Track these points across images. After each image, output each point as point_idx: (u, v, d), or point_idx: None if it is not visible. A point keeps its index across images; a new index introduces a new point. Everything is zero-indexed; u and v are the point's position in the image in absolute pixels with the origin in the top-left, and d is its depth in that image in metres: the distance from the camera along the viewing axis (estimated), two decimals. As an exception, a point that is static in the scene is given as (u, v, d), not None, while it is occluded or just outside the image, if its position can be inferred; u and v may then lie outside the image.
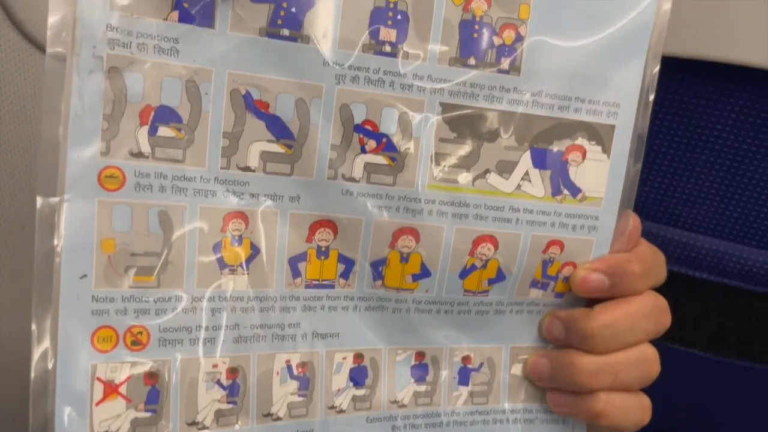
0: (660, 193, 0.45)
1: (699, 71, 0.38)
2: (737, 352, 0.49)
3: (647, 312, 0.28)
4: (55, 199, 0.22)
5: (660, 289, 0.30)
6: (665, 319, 0.28)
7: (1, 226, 0.40)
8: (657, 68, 0.28)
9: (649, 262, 0.28)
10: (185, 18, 0.23)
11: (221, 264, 0.25)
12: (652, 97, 0.28)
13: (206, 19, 0.23)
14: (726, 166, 0.42)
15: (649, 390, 0.30)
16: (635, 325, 0.28)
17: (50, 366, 0.23)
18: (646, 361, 0.28)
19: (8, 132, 0.41)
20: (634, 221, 0.29)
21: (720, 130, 0.41)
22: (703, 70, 0.38)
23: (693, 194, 0.44)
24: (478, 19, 0.26)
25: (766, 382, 0.49)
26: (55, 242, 0.22)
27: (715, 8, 0.36)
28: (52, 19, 0.22)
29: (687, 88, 0.40)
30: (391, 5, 0.25)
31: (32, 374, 0.22)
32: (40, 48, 0.42)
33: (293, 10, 0.24)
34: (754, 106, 0.39)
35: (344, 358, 0.28)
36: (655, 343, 0.29)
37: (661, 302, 0.28)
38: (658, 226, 0.47)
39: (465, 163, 0.27)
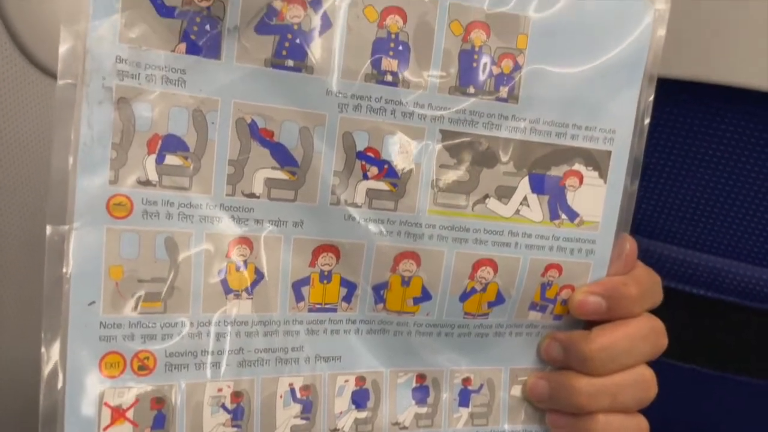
0: (657, 210, 0.46)
1: (694, 92, 0.39)
2: (735, 367, 0.50)
3: (644, 334, 0.28)
4: (64, 227, 0.23)
5: (658, 306, 0.30)
6: (662, 341, 0.29)
7: (4, 243, 0.40)
8: (652, 95, 0.28)
9: (646, 285, 0.29)
10: (192, 50, 0.24)
11: (226, 289, 0.26)
12: (647, 122, 0.29)
13: (213, 50, 0.24)
14: (721, 184, 0.43)
15: (648, 406, 0.30)
16: (633, 347, 0.28)
17: (59, 391, 0.23)
18: (644, 382, 0.29)
19: (11, 152, 0.41)
20: (630, 245, 0.29)
21: (715, 148, 0.42)
22: (698, 91, 0.39)
23: (689, 211, 0.45)
24: (477, 49, 0.26)
25: (763, 396, 0.50)
26: (64, 270, 0.23)
27: (710, 31, 0.37)
28: (63, 52, 0.22)
29: (683, 108, 0.41)
30: (393, 36, 0.25)
31: (41, 400, 0.23)
32: (44, 70, 0.43)
33: (298, 41, 0.24)
34: (749, 125, 0.40)
35: (346, 381, 0.28)
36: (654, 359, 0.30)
37: (658, 324, 0.29)
38: (655, 243, 0.48)
39: (465, 189, 0.27)
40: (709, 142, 0.41)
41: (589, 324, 0.29)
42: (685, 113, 0.41)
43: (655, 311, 0.30)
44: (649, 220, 0.46)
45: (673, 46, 0.32)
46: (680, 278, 0.46)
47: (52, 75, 0.43)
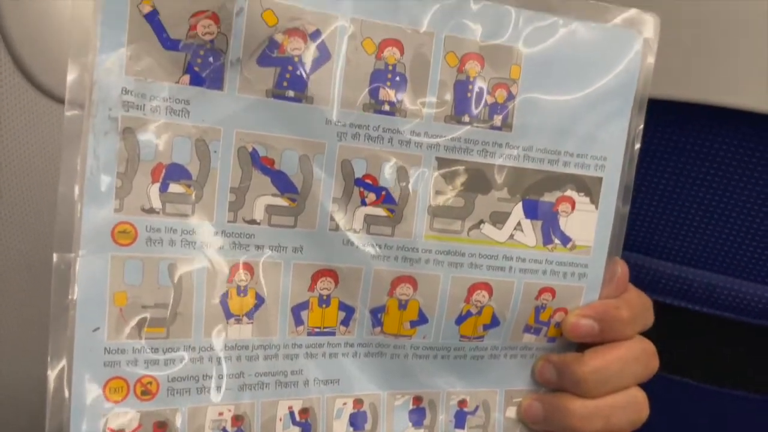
0: (651, 227, 0.47)
1: (688, 112, 0.40)
2: (731, 381, 0.50)
3: (636, 356, 0.29)
4: (70, 255, 0.23)
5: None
6: (654, 363, 0.30)
7: (8, 265, 0.40)
8: (642, 123, 0.29)
9: (637, 308, 0.30)
10: (196, 81, 0.24)
11: (227, 314, 0.26)
12: (637, 146, 0.30)
13: (216, 81, 0.25)
14: (715, 201, 0.43)
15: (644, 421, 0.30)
16: (625, 369, 0.29)
17: (64, 416, 0.23)
18: (636, 404, 0.29)
19: (13, 174, 0.41)
20: (621, 268, 0.30)
21: (708, 166, 0.42)
22: (690, 111, 0.40)
23: (683, 228, 0.45)
24: (471, 79, 0.27)
25: (759, 411, 0.50)
26: (70, 297, 0.23)
27: (702, 53, 0.38)
28: (71, 84, 0.23)
29: (675, 127, 0.42)
30: (390, 67, 0.26)
31: (47, 423, 0.23)
32: (46, 93, 0.43)
33: (298, 73, 0.25)
34: (741, 143, 0.41)
35: (344, 404, 0.29)
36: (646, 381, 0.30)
37: (649, 347, 0.30)
38: (650, 260, 0.49)
39: (460, 214, 0.28)
40: (702, 160, 0.42)
41: (582, 346, 0.30)
42: (679, 132, 0.42)
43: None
44: (644, 237, 0.47)
45: (666, 68, 0.33)
46: (675, 294, 0.47)
47: (54, 98, 0.44)
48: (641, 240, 0.47)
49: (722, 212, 0.44)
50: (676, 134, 0.42)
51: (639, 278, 0.50)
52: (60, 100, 0.44)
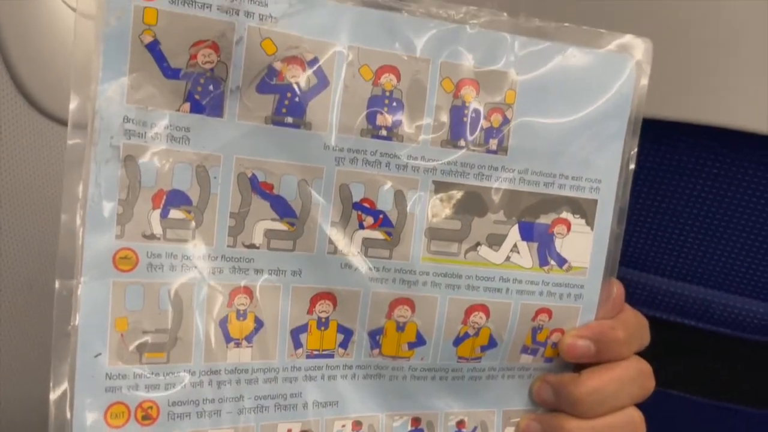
0: (647, 244, 0.47)
1: (681, 130, 0.40)
2: (728, 396, 0.50)
3: (632, 377, 0.29)
4: (72, 282, 0.24)
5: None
6: (650, 384, 0.30)
7: (9, 285, 0.41)
8: (636, 147, 0.30)
9: (633, 328, 0.30)
10: (196, 108, 0.25)
11: (227, 338, 0.26)
12: (632, 167, 0.30)
13: (216, 109, 0.25)
14: (709, 218, 0.44)
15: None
16: (621, 390, 0.29)
17: (66, 443, 0.24)
18: (632, 424, 0.29)
19: (16, 196, 0.42)
20: (617, 289, 0.30)
21: (702, 184, 0.43)
22: (684, 129, 0.40)
23: (677, 245, 0.46)
24: (467, 104, 0.28)
25: (756, 425, 0.50)
26: (72, 323, 0.24)
27: (699, 73, 0.38)
28: (73, 113, 0.23)
29: (670, 145, 0.42)
30: (387, 93, 0.27)
31: (48, 451, 0.23)
32: (46, 114, 0.44)
33: (297, 99, 0.26)
34: (734, 162, 0.42)
35: (343, 426, 0.29)
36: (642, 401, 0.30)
37: (646, 367, 0.30)
38: (647, 276, 0.49)
39: (457, 237, 0.28)
40: (697, 178, 0.43)
41: (579, 366, 0.30)
42: (673, 150, 0.42)
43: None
44: (640, 253, 0.48)
45: (663, 88, 0.33)
46: (671, 310, 0.47)
47: (55, 119, 0.44)
48: (636, 256, 0.48)
49: (716, 228, 0.44)
50: (671, 152, 0.43)
51: (634, 294, 0.50)
52: (60, 122, 0.45)
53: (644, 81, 0.29)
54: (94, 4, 0.23)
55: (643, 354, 0.30)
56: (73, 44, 0.23)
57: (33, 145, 0.43)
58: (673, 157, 0.43)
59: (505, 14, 0.28)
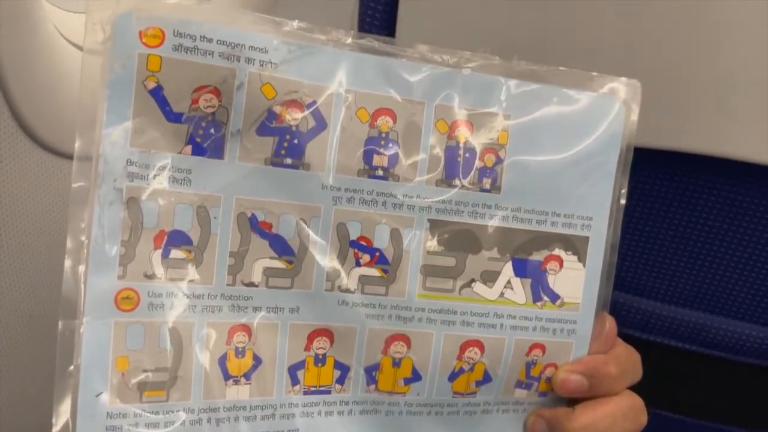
0: (641, 268, 0.47)
1: (674, 158, 0.41)
2: (725, 418, 0.51)
3: (625, 412, 0.30)
4: (74, 322, 0.24)
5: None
6: (642, 418, 0.30)
7: (10, 316, 0.41)
8: (626, 185, 0.30)
9: (625, 364, 0.30)
10: (198, 151, 0.25)
11: (226, 375, 0.27)
12: (623, 203, 0.31)
13: (216, 151, 0.26)
14: (700, 242, 0.44)
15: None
16: (614, 424, 0.29)
17: (66, 482, 0.24)
18: (626, 458, 0.30)
19: (16, 227, 0.42)
20: (609, 324, 0.31)
21: (700, 211, 0.43)
22: (678, 157, 0.41)
23: (670, 269, 0.46)
24: (461, 144, 0.28)
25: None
26: (74, 363, 0.24)
27: (695, 102, 0.39)
28: (77, 156, 0.24)
29: (664, 172, 0.43)
30: (383, 135, 0.27)
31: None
32: (45, 147, 0.44)
33: (295, 141, 0.26)
34: (724, 187, 0.42)
35: None
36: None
37: (638, 402, 0.30)
38: (640, 300, 0.49)
39: (452, 274, 0.29)
40: (692, 204, 0.43)
41: (573, 400, 0.31)
42: (668, 177, 0.43)
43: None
44: (632, 277, 0.48)
45: (653, 119, 0.34)
46: (665, 333, 0.48)
47: (55, 153, 0.45)
48: (629, 279, 0.48)
49: (707, 253, 0.45)
50: (667, 179, 0.43)
51: (628, 317, 0.51)
52: (61, 155, 0.45)
53: (634, 121, 0.30)
54: (101, 42, 0.24)
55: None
56: (80, 83, 0.24)
57: (33, 178, 0.44)
58: (670, 185, 0.43)
59: (497, 58, 0.29)
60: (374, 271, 0.28)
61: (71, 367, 0.24)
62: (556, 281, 0.30)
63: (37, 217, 0.44)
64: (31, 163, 0.44)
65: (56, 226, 0.45)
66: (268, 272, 0.27)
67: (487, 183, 0.29)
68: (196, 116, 0.25)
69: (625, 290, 0.50)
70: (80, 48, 0.44)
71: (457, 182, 0.28)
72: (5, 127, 0.41)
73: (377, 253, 0.28)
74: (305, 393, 0.28)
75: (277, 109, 0.26)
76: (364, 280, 0.28)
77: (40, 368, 0.42)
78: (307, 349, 0.28)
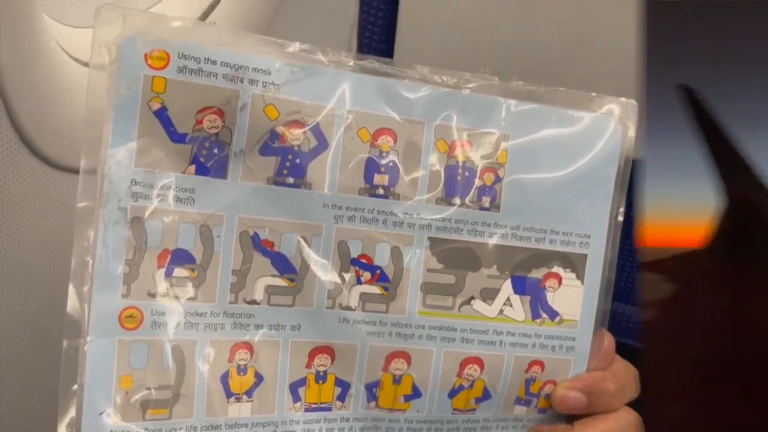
0: (632, 277, 0.48)
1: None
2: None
3: (624, 428, 0.30)
4: (78, 341, 0.24)
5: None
6: (641, 435, 0.31)
7: (12, 328, 0.41)
8: (624, 203, 0.31)
9: (623, 380, 0.31)
10: (201, 171, 0.26)
11: (228, 393, 0.27)
12: (620, 220, 0.31)
13: (220, 171, 0.26)
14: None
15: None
16: (612, 442, 0.30)
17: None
18: (624, 474, 0.30)
19: (18, 241, 0.42)
20: (608, 341, 0.31)
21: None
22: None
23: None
24: (461, 163, 0.29)
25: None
26: (78, 381, 0.24)
27: None
28: (83, 177, 0.24)
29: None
30: (384, 154, 0.28)
31: None
32: (47, 162, 0.44)
33: (298, 161, 0.27)
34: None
35: None
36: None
37: (636, 419, 0.30)
38: (632, 309, 0.50)
39: (451, 291, 0.29)
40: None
41: (571, 417, 0.31)
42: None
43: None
44: (624, 287, 0.49)
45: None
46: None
47: (56, 167, 0.45)
48: (622, 289, 0.49)
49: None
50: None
51: (624, 326, 0.51)
52: (62, 169, 0.45)
53: (631, 140, 0.31)
54: (107, 63, 0.24)
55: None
56: (86, 103, 0.24)
57: (34, 192, 0.44)
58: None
59: (497, 79, 0.29)
60: (375, 289, 0.28)
61: (75, 386, 0.24)
62: (554, 298, 0.30)
63: (38, 228, 0.44)
64: (33, 178, 0.44)
65: (57, 239, 0.45)
66: (270, 290, 0.27)
67: (486, 201, 0.29)
68: (200, 136, 0.26)
69: (621, 300, 0.51)
70: (81, 62, 0.44)
71: (456, 201, 0.29)
72: (6, 139, 0.42)
73: (378, 271, 0.28)
74: (306, 410, 0.28)
75: (280, 129, 0.26)
76: (365, 297, 0.28)
77: (41, 379, 0.42)
78: (308, 366, 0.28)
